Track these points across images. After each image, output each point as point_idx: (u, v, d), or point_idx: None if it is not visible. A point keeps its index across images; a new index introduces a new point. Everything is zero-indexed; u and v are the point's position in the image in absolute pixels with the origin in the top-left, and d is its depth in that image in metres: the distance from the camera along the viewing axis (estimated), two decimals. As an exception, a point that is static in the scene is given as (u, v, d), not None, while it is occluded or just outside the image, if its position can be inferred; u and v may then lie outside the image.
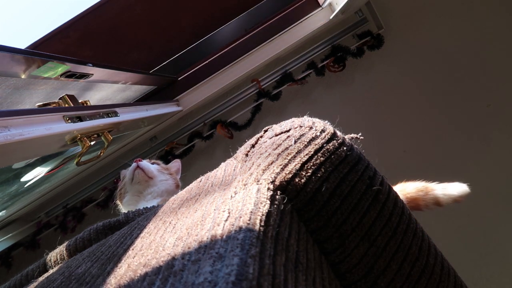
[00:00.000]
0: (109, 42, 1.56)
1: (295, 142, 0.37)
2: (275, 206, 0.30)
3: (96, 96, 1.07)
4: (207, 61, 1.43)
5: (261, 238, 0.26)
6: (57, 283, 0.38)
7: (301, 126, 0.40)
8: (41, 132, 0.56)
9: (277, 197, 0.32)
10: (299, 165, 0.34)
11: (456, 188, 0.54)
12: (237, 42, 1.41)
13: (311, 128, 0.39)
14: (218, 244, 0.25)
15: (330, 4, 1.30)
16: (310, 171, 0.34)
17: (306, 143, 0.36)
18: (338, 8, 1.22)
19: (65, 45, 1.50)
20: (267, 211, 0.29)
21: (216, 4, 1.55)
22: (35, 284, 0.45)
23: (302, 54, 1.48)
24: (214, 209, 0.31)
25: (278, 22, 1.38)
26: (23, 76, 0.68)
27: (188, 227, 0.31)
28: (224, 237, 0.26)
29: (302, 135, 0.38)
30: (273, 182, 0.33)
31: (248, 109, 1.52)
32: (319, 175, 0.34)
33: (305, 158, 0.35)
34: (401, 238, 0.35)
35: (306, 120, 0.41)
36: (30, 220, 1.62)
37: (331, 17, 1.33)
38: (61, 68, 0.75)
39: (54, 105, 0.79)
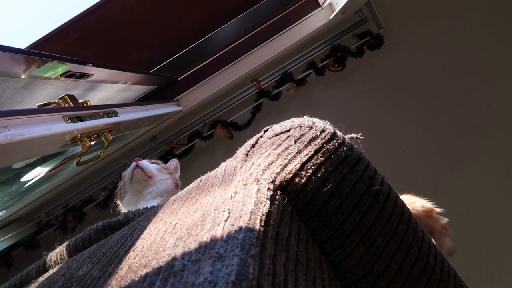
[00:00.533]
0: (109, 42, 1.56)
1: (295, 142, 0.37)
2: (275, 206, 0.30)
3: (96, 96, 1.07)
4: (207, 61, 1.43)
5: (261, 238, 0.26)
6: (58, 285, 0.38)
7: (301, 126, 0.40)
8: (41, 132, 0.56)
9: (277, 197, 0.32)
10: (299, 165, 0.34)
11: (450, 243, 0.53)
12: (237, 42, 1.41)
13: (311, 128, 0.39)
14: (218, 244, 0.25)
15: (330, 4, 1.30)
16: (310, 171, 0.34)
17: (306, 143, 0.36)
18: (338, 8, 1.22)
19: (65, 45, 1.50)
20: (267, 211, 0.29)
21: (216, 4, 1.55)
22: (35, 284, 0.45)
23: (302, 54, 1.48)
24: (214, 209, 0.31)
25: (278, 22, 1.38)
26: (23, 76, 0.68)
27: (188, 227, 0.31)
28: (224, 237, 0.26)
29: (302, 135, 0.38)
30: (273, 182, 0.33)
31: (248, 109, 1.52)
32: (319, 175, 0.34)
33: (305, 158, 0.35)
34: (401, 238, 0.35)
35: (306, 120, 0.41)
36: (30, 220, 1.62)
37: (331, 17, 1.33)
38: (61, 68, 0.75)
39: (54, 105, 0.79)
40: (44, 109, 0.66)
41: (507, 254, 1.50)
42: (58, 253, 0.53)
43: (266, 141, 0.42)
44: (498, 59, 1.46)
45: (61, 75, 0.77)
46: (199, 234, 0.28)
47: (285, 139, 0.38)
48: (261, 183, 0.33)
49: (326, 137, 0.37)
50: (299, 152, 0.36)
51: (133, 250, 0.35)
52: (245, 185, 0.34)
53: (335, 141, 0.37)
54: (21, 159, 0.71)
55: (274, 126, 0.45)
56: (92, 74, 0.86)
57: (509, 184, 1.49)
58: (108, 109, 0.83)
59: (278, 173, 0.34)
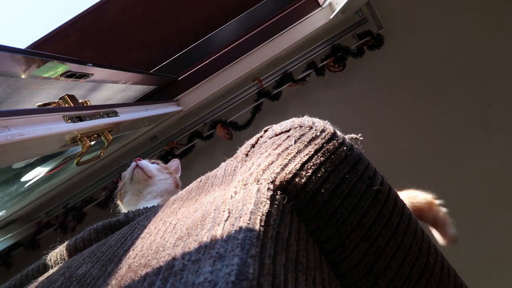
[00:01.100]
0: (109, 42, 1.56)
1: (295, 142, 0.37)
2: (275, 206, 0.30)
3: (96, 96, 1.07)
4: (207, 61, 1.43)
5: (261, 238, 0.26)
6: (58, 284, 0.38)
7: (301, 126, 0.40)
8: (41, 132, 0.56)
9: (277, 197, 0.32)
10: (299, 165, 0.34)
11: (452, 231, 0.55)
12: (237, 42, 1.41)
13: (311, 128, 0.39)
14: (218, 244, 0.25)
15: (330, 4, 1.30)
16: (310, 171, 0.34)
17: (306, 143, 0.36)
18: (338, 8, 1.22)
19: (65, 45, 1.50)
20: (267, 211, 0.29)
21: (216, 4, 1.55)
22: (35, 284, 0.45)
23: (302, 54, 1.47)
24: (214, 209, 0.31)
25: (278, 22, 1.38)
26: (23, 76, 0.68)
27: (188, 227, 0.31)
28: (224, 237, 0.26)
29: (302, 135, 0.38)
30: (273, 182, 0.33)
31: (248, 109, 1.52)
32: (319, 175, 0.34)
33: (305, 158, 0.35)
34: (401, 238, 0.35)
35: (306, 120, 0.41)
36: (30, 220, 1.62)
37: (331, 17, 1.33)
38: (61, 68, 0.75)
39: (54, 105, 0.79)
40: (44, 109, 0.66)
41: (507, 254, 1.50)
42: (58, 253, 0.53)
43: (266, 141, 0.42)
44: (498, 59, 1.46)
45: (61, 75, 0.77)
46: (199, 234, 0.28)
47: (285, 139, 0.38)
48: (261, 183, 0.33)
49: (326, 137, 0.37)
50: (299, 152, 0.36)
51: (133, 250, 0.35)
52: (245, 185, 0.34)
53: (335, 141, 0.37)
54: (21, 159, 0.71)
55: (274, 126, 0.45)
56: (92, 74, 0.86)
57: (510, 184, 1.49)
58: (108, 109, 0.83)
59: (278, 173, 0.34)
